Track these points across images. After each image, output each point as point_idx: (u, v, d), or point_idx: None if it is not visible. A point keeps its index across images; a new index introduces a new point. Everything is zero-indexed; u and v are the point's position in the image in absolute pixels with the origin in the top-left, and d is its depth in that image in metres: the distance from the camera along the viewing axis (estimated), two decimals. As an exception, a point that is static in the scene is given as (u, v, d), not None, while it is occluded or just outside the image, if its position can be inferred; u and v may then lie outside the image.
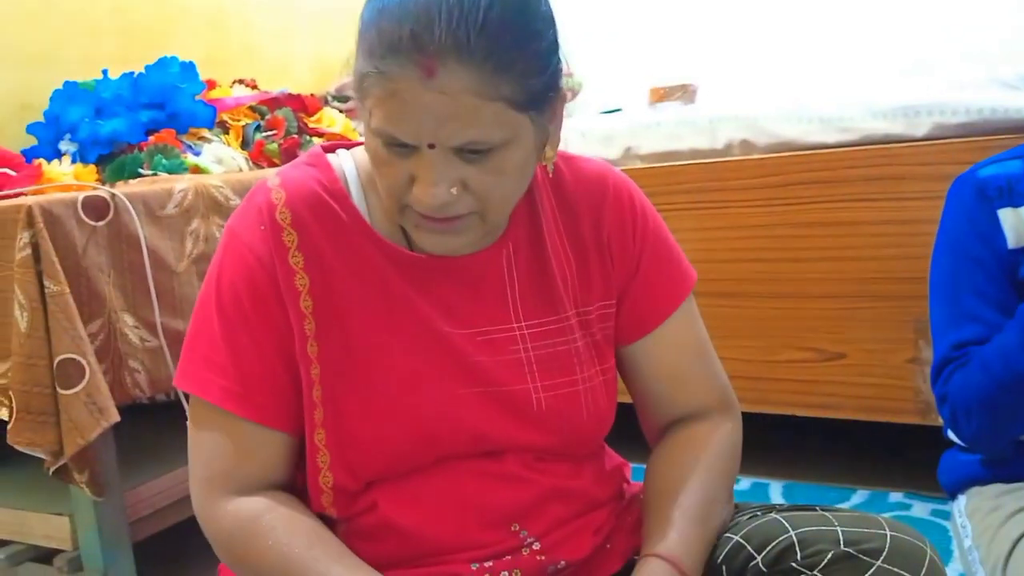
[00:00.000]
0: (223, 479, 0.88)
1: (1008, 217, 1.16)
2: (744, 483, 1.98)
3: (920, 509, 1.77)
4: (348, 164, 0.93)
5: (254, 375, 0.87)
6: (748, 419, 2.17)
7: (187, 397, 0.93)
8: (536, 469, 0.92)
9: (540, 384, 0.92)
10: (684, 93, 2.17)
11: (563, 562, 0.92)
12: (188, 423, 0.92)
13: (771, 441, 2.24)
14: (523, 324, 0.93)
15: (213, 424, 0.89)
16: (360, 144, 0.96)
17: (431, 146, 0.78)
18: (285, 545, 0.84)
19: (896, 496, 1.84)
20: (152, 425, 1.67)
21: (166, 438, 1.62)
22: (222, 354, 0.87)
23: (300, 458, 0.91)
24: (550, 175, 0.96)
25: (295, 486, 0.92)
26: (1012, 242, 1.16)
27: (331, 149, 0.96)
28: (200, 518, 0.90)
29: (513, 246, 0.94)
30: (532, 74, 0.78)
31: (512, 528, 0.90)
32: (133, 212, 1.38)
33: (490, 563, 0.89)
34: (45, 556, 1.50)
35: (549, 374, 0.92)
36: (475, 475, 0.90)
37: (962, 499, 1.27)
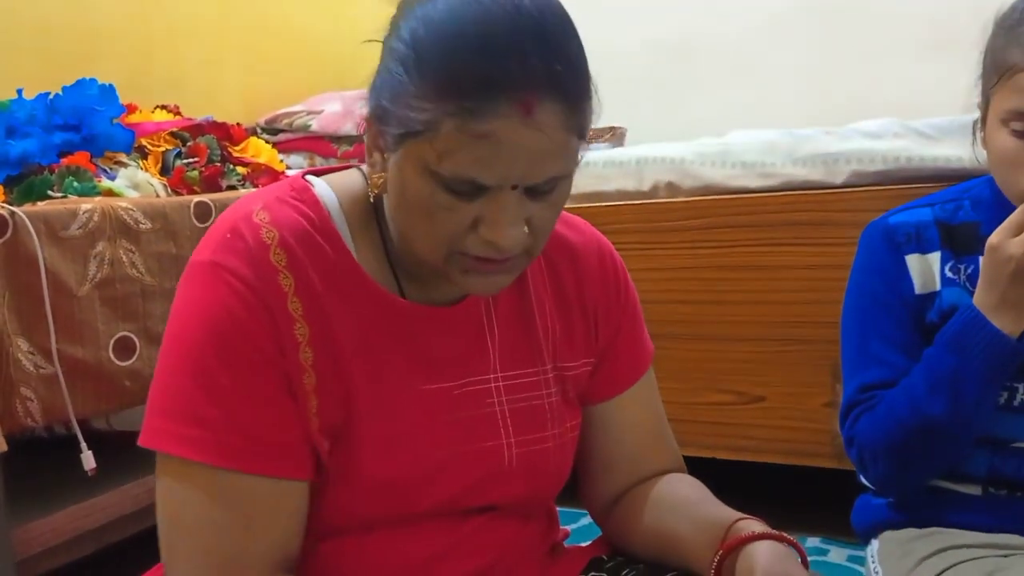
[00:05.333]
0: (240, 563, 0.76)
1: (915, 263, 1.17)
2: (664, 527, 1.96)
3: (836, 555, 1.77)
4: (331, 198, 0.86)
5: (262, 423, 0.77)
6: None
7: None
8: (492, 526, 0.90)
9: (514, 440, 0.89)
10: (612, 135, 2.19)
11: None
12: (163, 498, 0.78)
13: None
14: (499, 376, 0.90)
15: (214, 493, 0.76)
16: (328, 171, 0.91)
17: (514, 187, 0.74)
18: None
19: (813, 541, 1.83)
20: (46, 461, 1.60)
21: (60, 474, 1.54)
22: (219, 404, 0.76)
23: None
24: None
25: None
26: (919, 287, 1.17)
27: (306, 174, 0.90)
28: None
29: (497, 293, 0.90)
30: (591, 102, 0.77)
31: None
32: (33, 231, 1.33)
33: None
34: (-77, 595, 1.41)
35: (523, 429, 0.90)
36: (431, 536, 0.86)
37: (875, 543, 1.27)
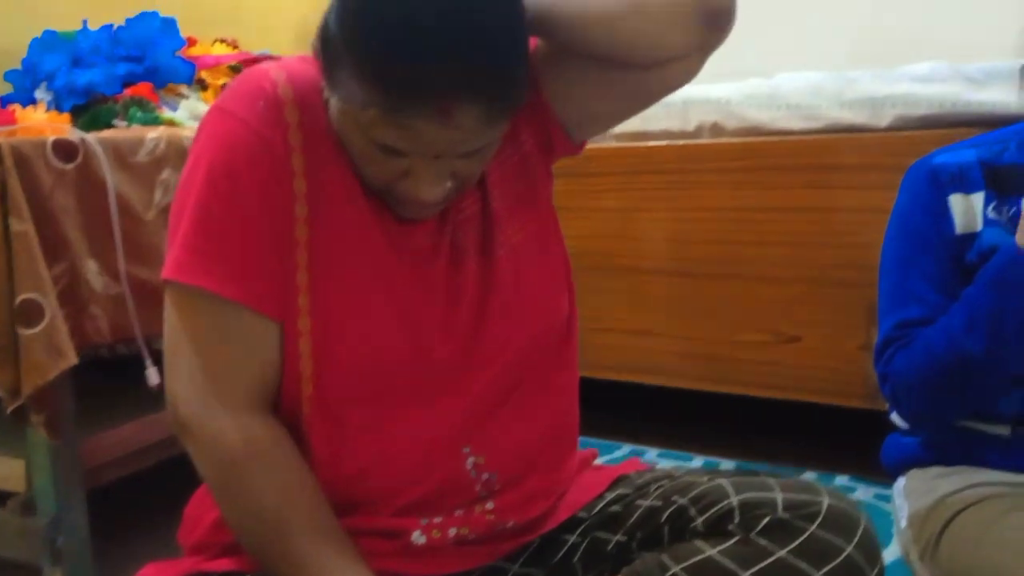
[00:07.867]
0: (224, 383, 0.83)
1: (958, 203, 1.18)
2: (697, 461, 2.02)
3: (864, 492, 1.80)
4: None
5: (252, 259, 0.83)
6: (705, 397, 2.19)
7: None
8: (498, 388, 0.93)
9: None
10: (660, 75, 2.18)
11: (512, 523, 0.94)
12: (168, 322, 0.85)
13: (725, 420, 2.28)
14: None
15: (208, 317, 0.83)
16: None
17: (437, 156, 0.79)
18: (285, 495, 0.82)
19: (842, 479, 1.87)
20: (114, 379, 1.67)
21: (127, 392, 1.62)
22: (218, 238, 0.82)
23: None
24: None
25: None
26: (960, 228, 1.18)
27: None
28: (192, 426, 0.83)
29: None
30: (521, 89, 0.80)
31: (463, 451, 0.92)
32: (103, 157, 1.39)
33: (439, 519, 0.91)
34: (-1, 498, 1.50)
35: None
36: (437, 404, 0.90)
37: (902, 480, 1.30)
